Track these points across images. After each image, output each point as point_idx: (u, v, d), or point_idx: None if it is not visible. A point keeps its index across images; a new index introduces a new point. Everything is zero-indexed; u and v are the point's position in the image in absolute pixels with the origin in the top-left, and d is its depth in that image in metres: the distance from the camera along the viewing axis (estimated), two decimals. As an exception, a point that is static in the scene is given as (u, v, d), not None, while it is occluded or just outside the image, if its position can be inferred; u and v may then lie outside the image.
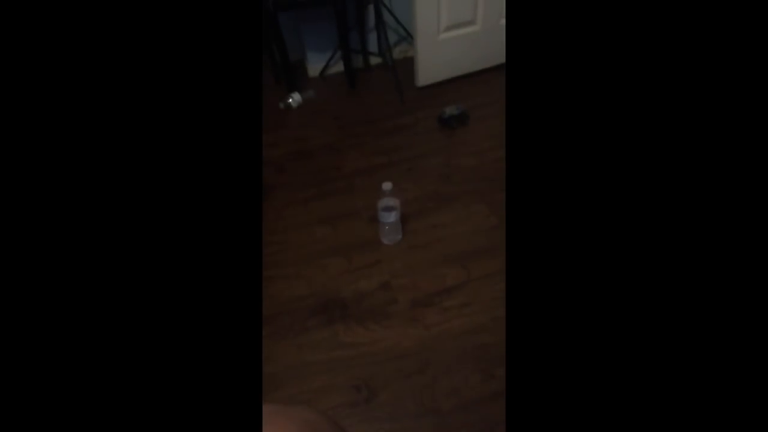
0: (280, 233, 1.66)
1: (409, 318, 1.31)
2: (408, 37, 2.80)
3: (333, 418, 0.54)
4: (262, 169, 1.95)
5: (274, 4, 2.27)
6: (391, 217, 1.51)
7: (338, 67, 2.82)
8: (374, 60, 2.91)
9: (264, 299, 1.42)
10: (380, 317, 1.32)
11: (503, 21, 2.50)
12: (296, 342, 1.28)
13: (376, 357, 1.22)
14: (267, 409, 0.48)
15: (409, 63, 2.79)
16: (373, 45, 2.86)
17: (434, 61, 2.48)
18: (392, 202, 1.49)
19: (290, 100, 2.47)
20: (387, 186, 1.43)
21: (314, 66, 2.81)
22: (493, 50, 2.60)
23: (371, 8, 2.67)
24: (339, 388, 1.16)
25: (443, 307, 1.33)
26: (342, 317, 1.33)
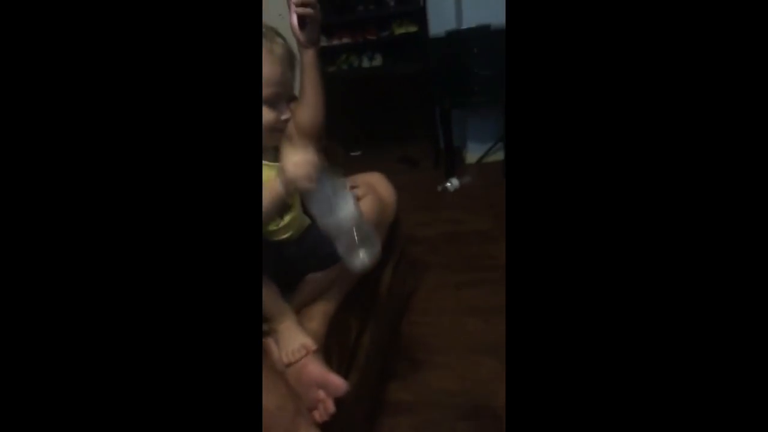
0: (432, 315, 1.60)
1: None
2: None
3: None
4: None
5: (451, 103, 2.51)
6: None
7: (496, 156, 2.80)
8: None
9: (413, 383, 1.34)
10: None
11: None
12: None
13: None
14: None
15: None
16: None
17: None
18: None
19: (448, 184, 2.53)
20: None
21: (473, 154, 2.84)
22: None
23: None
24: None
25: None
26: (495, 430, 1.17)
